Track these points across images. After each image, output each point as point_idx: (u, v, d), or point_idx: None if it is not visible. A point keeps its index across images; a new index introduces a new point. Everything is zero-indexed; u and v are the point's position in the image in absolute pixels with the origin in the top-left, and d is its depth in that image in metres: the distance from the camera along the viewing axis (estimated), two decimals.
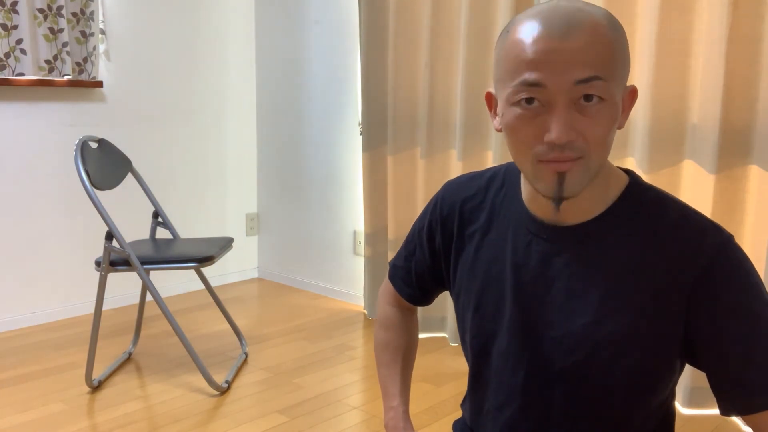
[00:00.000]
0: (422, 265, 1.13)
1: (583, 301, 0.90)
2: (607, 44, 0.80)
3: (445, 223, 1.07)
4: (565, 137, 0.80)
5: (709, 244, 0.86)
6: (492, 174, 1.05)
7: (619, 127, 0.86)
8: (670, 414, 0.99)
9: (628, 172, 0.94)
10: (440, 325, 2.99)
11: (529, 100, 0.81)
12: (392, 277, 1.20)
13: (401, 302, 1.22)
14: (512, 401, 0.98)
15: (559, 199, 0.85)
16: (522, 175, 0.97)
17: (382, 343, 1.20)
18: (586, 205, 0.90)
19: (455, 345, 2.89)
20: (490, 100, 0.93)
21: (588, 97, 0.80)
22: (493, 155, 2.69)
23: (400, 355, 1.18)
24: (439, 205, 1.08)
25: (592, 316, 0.89)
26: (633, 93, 0.89)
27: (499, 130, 0.89)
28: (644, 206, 0.90)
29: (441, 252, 1.09)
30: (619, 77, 0.83)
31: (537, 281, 0.94)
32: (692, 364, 0.91)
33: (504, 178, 1.02)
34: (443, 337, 2.97)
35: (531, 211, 0.95)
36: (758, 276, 0.87)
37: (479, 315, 1.01)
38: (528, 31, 0.81)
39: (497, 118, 0.89)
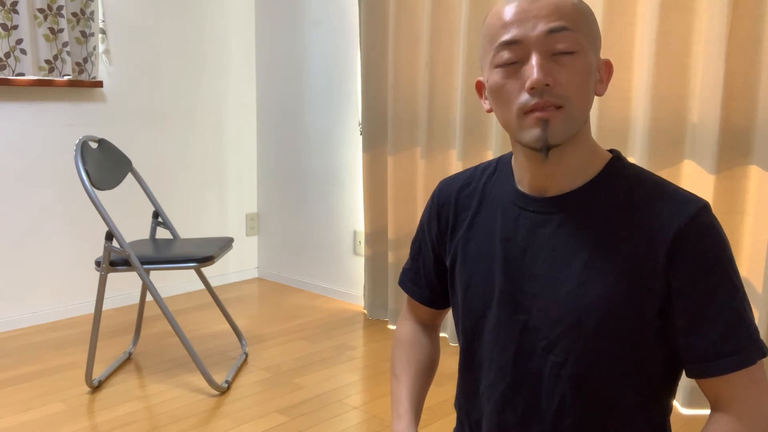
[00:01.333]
0: (428, 261, 1.15)
1: (567, 270, 0.93)
2: (573, 6, 0.89)
3: (440, 213, 1.10)
4: (543, 79, 0.86)
5: (685, 209, 0.89)
6: (486, 164, 1.09)
7: (599, 94, 0.94)
8: (662, 411, 0.98)
9: (612, 151, 0.99)
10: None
11: (509, 60, 0.89)
12: (402, 282, 1.21)
13: (417, 316, 1.22)
14: (504, 378, 0.99)
15: (546, 148, 0.89)
16: (513, 157, 1.02)
17: (393, 357, 1.20)
18: (570, 176, 0.95)
19: (455, 345, 2.89)
20: (480, 87, 0.99)
21: (561, 49, 0.87)
22: (493, 155, 2.69)
23: (411, 367, 1.16)
24: (436, 198, 1.12)
25: (575, 284, 0.92)
26: (609, 64, 0.96)
27: (490, 111, 0.96)
28: (624, 178, 0.95)
29: (439, 243, 1.11)
30: (589, 35, 0.91)
31: (524, 254, 0.97)
32: (668, 333, 0.91)
33: (497, 166, 1.07)
34: (443, 338, 2.97)
35: (520, 188, 0.99)
36: (728, 243, 0.90)
37: (470, 293, 1.03)
38: (504, 6, 0.92)
39: (486, 101, 0.97)
